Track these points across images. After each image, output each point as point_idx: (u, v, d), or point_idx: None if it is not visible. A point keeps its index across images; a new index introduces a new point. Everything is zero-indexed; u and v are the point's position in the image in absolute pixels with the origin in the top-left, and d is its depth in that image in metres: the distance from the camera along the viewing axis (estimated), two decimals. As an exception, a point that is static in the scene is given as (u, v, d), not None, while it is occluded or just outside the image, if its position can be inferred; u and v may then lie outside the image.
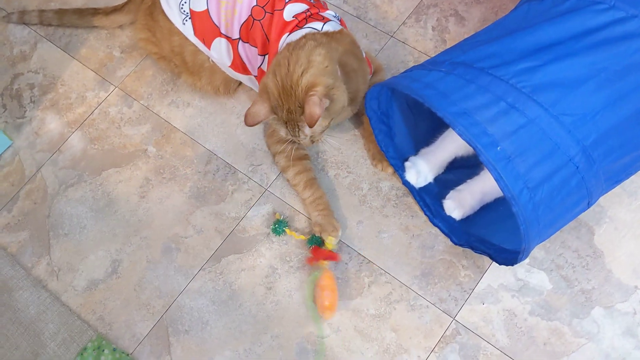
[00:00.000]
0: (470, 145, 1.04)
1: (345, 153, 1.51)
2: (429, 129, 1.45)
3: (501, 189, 1.05)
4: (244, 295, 1.39)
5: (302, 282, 1.38)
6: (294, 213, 1.46)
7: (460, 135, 1.05)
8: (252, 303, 1.38)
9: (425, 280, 1.37)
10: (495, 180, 1.04)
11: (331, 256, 1.37)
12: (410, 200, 1.45)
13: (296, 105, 1.26)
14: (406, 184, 1.42)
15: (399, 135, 1.42)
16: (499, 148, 1.04)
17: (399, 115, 1.40)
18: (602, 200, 1.37)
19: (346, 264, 1.40)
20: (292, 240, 1.43)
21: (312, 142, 1.36)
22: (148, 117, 1.60)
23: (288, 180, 1.47)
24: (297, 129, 1.30)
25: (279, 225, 1.40)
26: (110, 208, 1.50)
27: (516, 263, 1.19)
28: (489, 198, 1.39)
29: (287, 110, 1.27)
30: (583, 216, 1.37)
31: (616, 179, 1.21)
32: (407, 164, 1.41)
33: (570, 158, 1.06)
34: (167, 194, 1.51)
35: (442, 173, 1.44)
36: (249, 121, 1.29)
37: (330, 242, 1.36)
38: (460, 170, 1.44)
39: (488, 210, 1.39)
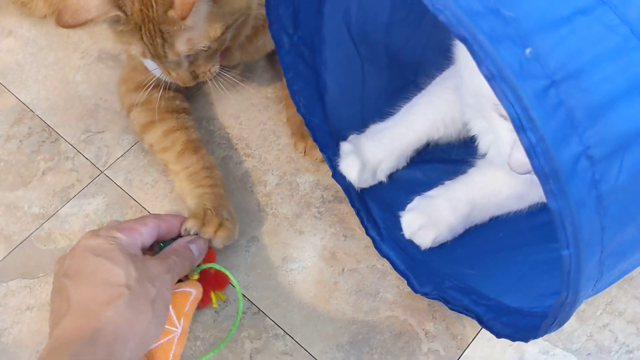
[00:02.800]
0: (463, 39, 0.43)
1: (248, 124, 0.90)
2: (386, 86, 0.85)
3: (530, 158, 0.43)
4: (22, 356, 0.75)
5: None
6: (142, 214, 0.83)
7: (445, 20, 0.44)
8: (33, 371, 0.74)
9: (356, 354, 0.74)
10: (516, 129, 0.43)
11: (221, 282, 0.75)
12: (345, 208, 0.83)
13: None
14: (340, 180, 0.81)
15: (332, 92, 0.81)
16: (528, 51, 0.43)
17: (333, 52, 0.79)
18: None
19: (217, 313, 0.77)
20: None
21: (195, 76, 0.76)
22: (-62, 46, 0.98)
23: (151, 148, 0.85)
24: (160, 40, 0.70)
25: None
26: None
27: (537, 335, 0.57)
28: (483, 214, 0.78)
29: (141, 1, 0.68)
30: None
31: None
32: (343, 146, 0.80)
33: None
34: None
35: (404, 168, 0.83)
36: (67, 19, 0.68)
37: (218, 245, 0.75)
38: (433, 166, 0.84)
39: (478, 234, 0.78)
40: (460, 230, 0.78)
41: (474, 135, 0.76)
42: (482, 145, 0.74)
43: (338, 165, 0.80)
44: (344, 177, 0.80)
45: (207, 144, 0.87)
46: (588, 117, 0.43)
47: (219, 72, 0.79)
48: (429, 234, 0.76)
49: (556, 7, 0.44)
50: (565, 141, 0.43)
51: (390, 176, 0.83)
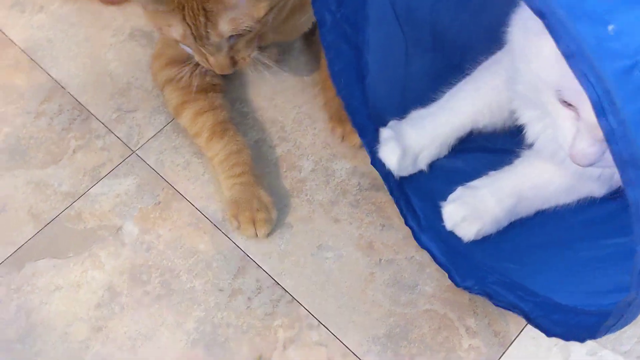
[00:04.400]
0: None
1: (283, 107, 0.87)
2: (429, 70, 0.82)
3: (609, 142, 0.40)
4: (50, 337, 0.73)
5: (167, 324, 0.72)
6: (176, 199, 0.81)
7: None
8: (61, 354, 0.72)
9: (393, 348, 0.71)
10: (596, 112, 0.39)
11: None
12: (383, 197, 0.80)
13: None
14: (379, 167, 0.78)
15: (374, 74, 0.78)
16: (610, 28, 0.39)
17: (377, 31, 0.75)
18: None
19: (249, 298, 0.74)
20: (163, 236, 0.77)
21: (234, 62, 0.74)
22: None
23: (185, 129, 0.83)
24: (203, 19, 0.68)
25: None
26: None
27: (596, 335, 0.54)
28: (529, 207, 0.75)
29: None
30: None
31: None
32: (383, 132, 0.77)
33: None
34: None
35: (445, 156, 0.80)
36: None
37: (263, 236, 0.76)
38: (476, 155, 0.81)
39: (524, 228, 0.75)
40: (505, 223, 0.75)
41: (521, 125, 0.73)
42: (531, 134, 0.71)
43: (377, 152, 0.77)
44: (383, 164, 0.77)
45: (240, 126, 0.85)
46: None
47: (255, 56, 0.76)
48: (472, 226, 0.73)
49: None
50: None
51: (431, 165, 0.79)
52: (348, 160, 0.83)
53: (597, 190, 0.73)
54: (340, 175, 0.82)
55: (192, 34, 0.69)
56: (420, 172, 0.79)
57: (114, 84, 0.90)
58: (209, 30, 0.68)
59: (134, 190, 0.82)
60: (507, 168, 0.75)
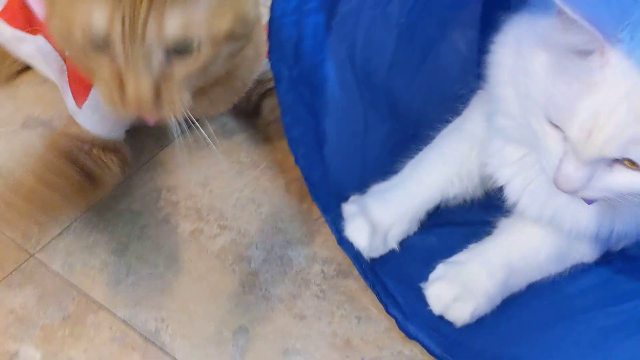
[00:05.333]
0: None
1: (220, 193, 0.74)
2: (387, 139, 0.73)
3: None
4: None
5: None
6: (92, 310, 0.63)
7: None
8: None
9: None
10: None
11: None
12: (354, 284, 0.67)
13: None
14: (346, 248, 0.66)
15: (333, 143, 0.68)
16: None
17: (335, 93, 0.66)
18: None
19: None
20: None
21: (158, 95, 0.55)
22: None
23: None
24: (146, 6, 0.51)
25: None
26: None
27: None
28: (521, 280, 0.65)
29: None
30: None
31: None
32: (347, 208, 0.66)
33: None
34: None
35: (416, 234, 0.70)
36: None
37: None
38: (449, 230, 0.72)
39: (521, 306, 0.65)
40: (498, 301, 0.64)
41: (493, 192, 0.66)
42: (512, 194, 0.63)
43: (345, 230, 0.65)
44: (351, 245, 0.65)
45: (171, 216, 0.70)
46: None
47: (186, 125, 0.61)
48: (466, 306, 0.62)
49: None
50: None
51: (402, 243, 0.69)
52: (305, 246, 0.70)
53: (589, 254, 0.67)
54: (299, 263, 0.68)
55: (123, 27, 0.51)
56: (392, 252, 0.68)
57: (4, 179, 0.72)
58: (148, 26, 0.51)
59: (34, 304, 0.63)
60: (489, 239, 0.67)
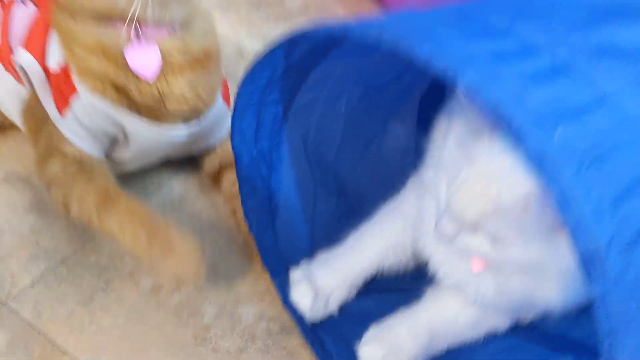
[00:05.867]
0: (500, 113, 0.43)
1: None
2: (334, 212, 0.83)
3: (573, 237, 0.42)
4: None
5: None
6: (56, 355, 0.69)
7: (471, 92, 0.44)
8: None
9: None
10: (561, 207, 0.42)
11: None
12: (295, 341, 0.76)
13: None
14: (291, 310, 0.74)
15: (286, 214, 0.77)
16: (556, 135, 0.44)
17: (290, 172, 0.76)
18: None
19: None
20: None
21: None
22: None
23: (75, 216, 0.74)
24: None
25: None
26: None
27: None
28: (442, 345, 0.74)
29: None
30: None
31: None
32: (294, 273, 0.75)
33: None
34: None
35: (356, 298, 0.79)
36: None
37: None
38: (386, 296, 0.80)
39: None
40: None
41: (425, 263, 0.76)
42: (434, 264, 0.73)
43: (290, 295, 0.74)
44: (294, 308, 0.74)
45: (134, 272, 0.78)
46: (617, 201, 0.44)
47: None
48: (393, 364, 0.70)
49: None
50: (598, 223, 0.43)
51: (342, 307, 0.78)
52: (255, 304, 0.78)
53: (501, 324, 0.76)
54: (247, 319, 0.76)
55: None
56: (331, 314, 0.77)
57: (-18, 230, 0.79)
58: None
59: (3, 348, 0.69)
60: (417, 305, 0.75)
